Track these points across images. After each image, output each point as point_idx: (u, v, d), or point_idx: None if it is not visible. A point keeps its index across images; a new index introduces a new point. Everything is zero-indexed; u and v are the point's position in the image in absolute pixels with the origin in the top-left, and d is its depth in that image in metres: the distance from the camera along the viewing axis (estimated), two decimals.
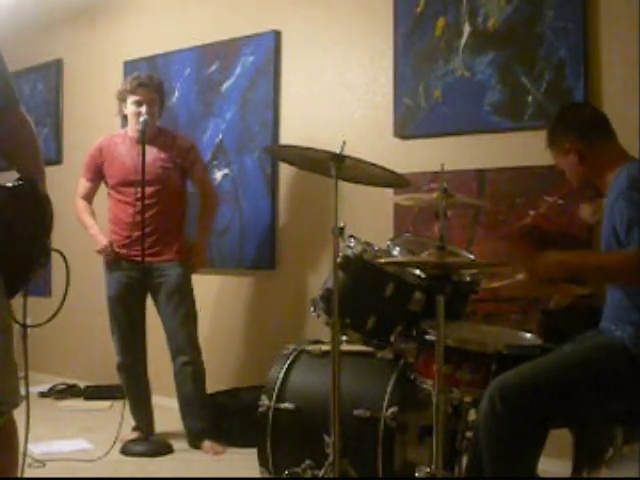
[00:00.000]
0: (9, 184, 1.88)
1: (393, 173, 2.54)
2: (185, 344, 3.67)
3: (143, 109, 3.64)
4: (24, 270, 1.91)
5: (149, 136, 3.63)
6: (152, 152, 3.68)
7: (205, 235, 3.86)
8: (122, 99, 3.72)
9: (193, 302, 3.75)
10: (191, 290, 3.76)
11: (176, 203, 3.76)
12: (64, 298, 2.09)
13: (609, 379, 2.10)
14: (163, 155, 3.72)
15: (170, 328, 3.69)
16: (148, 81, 3.70)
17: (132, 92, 3.67)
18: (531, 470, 2.08)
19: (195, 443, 3.66)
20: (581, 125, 2.36)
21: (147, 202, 3.62)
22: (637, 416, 2.13)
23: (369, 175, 2.63)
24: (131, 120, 3.70)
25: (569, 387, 2.08)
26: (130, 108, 3.68)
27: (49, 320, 2.11)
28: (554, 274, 2.18)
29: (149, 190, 3.64)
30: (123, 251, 3.68)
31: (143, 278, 3.61)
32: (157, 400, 3.91)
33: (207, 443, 3.61)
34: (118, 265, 3.70)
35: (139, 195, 3.59)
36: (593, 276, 2.25)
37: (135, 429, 3.74)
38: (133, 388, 3.72)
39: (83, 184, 3.84)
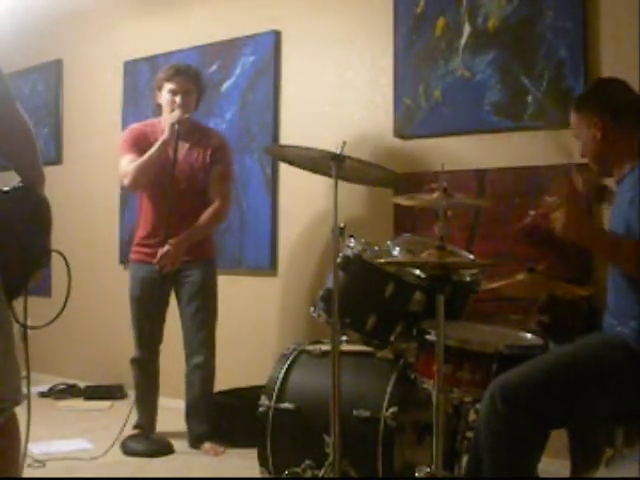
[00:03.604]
0: (6, 188, 1.88)
1: (393, 173, 2.54)
2: (200, 347, 3.62)
3: (177, 99, 3.53)
4: (23, 272, 1.91)
5: (184, 131, 3.52)
6: (185, 148, 3.60)
7: (188, 235, 3.53)
8: (158, 87, 3.61)
9: (215, 304, 3.67)
10: (214, 291, 3.68)
11: (204, 202, 3.62)
12: (66, 300, 2.09)
13: (611, 377, 2.10)
14: (196, 152, 3.62)
15: (188, 329, 3.65)
16: (185, 69, 3.59)
17: (168, 80, 3.55)
18: (531, 470, 2.08)
19: (196, 445, 3.65)
20: (616, 104, 2.31)
21: (177, 200, 3.47)
22: (638, 416, 2.13)
23: (369, 175, 2.63)
24: (165, 110, 3.58)
25: (571, 386, 2.07)
26: (165, 97, 3.57)
27: (50, 323, 2.11)
28: (579, 230, 2.18)
29: (179, 187, 3.52)
30: (149, 250, 3.58)
31: (168, 277, 3.55)
32: (159, 400, 3.91)
33: (207, 444, 3.60)
34: (143, 265, 3.62)
35: (173, 192, 3.44)
36: (604, 251, 2.24)
37: (136, 426, 3.74)
38: (143, 384, 3.71)
39: (129, 160, 3.55)
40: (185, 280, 3.63)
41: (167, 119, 3.54)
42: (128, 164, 3.57)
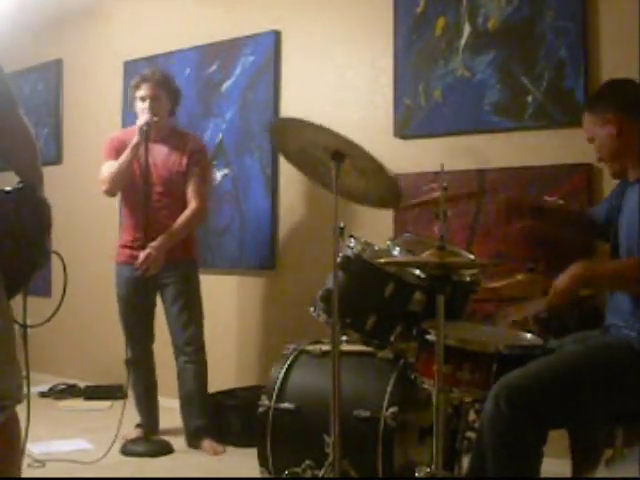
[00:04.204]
0: (8, 188, 1.88)
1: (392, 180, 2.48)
2: (187, 344, 3.67)
3: (145, 104, 3.60)
4: (23, 272, 1.92)
5: (161, 135, 3.65)
6: (163, 152, 3.68)
7: (167, 238, 3.56)
8: (132, 95, 3.72)
9: (199, 303, 3.74)
10: (198, 290, 3.75)
11: (183, 205, 3.67)
12: (62, 299, 2.10)
13: (616, 379, 2.09)
14: (174, 157, 3.69)
15: (174, 328, 3.70)
16: (150, 76, 3.66)
17: (136, 87, 3.65)
18: (535, 470, 2.08)
19: (194, 442, 3.66)
20: (630, 99, 2.30)
21: (155, 203, 3.60)
22: (638, 416, 2.13)
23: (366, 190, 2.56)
24: (139, 117, 3.65)
25: (575, 388, 2.07)
26: (137, 105, 3.66)
27: (47, 321, 2.13)
28: (575, 289, 2.16)
29: (156, 191, 3.63)
30: (133, 252, 3.64)
31: (151, 278, 3.59)
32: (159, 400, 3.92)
33: (207, 442, 3.61)
34: (128, 267, 3.66)
35: (148, 195, 3.55)
36: (610, 284, 2.22)
37: (138, 426, 3.76)
38: (139, 384, 3.75)
39: (107, 167, 3.66)
40: (167, 282, 3.67)
41: (137, 124, 3.62)
42: (106, 171, 3.67)
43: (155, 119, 3.57)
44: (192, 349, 3.68)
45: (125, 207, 3.77)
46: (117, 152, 3.65)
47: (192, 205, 3.65)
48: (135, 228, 3.67)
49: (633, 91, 2.36)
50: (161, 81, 3.68)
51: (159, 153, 3.67)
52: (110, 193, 3.72)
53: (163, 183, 3.65)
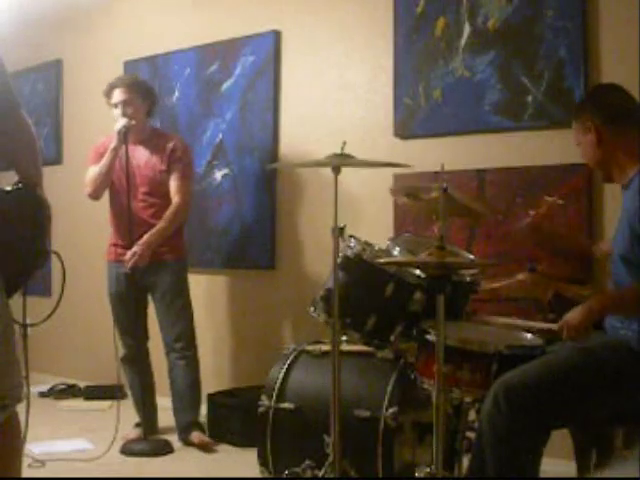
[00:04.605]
0: (8, 187, 1.89)
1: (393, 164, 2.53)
2: (176, 341, 3.72)
3: (119, 110, 3.67)
4: (22, 271, 1.92)
5: (141, 138, 3.75)
6: (144, 154, 3.76)
7: (154, 235, 3.63)
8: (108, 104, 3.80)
9: (187, 300, 3.79)
10: (185, 288, 3.80)
11: (168, 204, 3.72)
12: (59, 299, 2.11)
13: (614, 379, 2.09)
14: (155, 157, 3.75)
15: (163, 325, 3.75)
16: (119, 82, 3.72)
17: (107, 96, 3.74)
18: (535, 470, 2.08)
19: (184, 437, 3.69)
20: (608, 108, 2.31)
21: (141, 204, 3.70)
22: (638, 416, 2.13)
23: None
24: (117, 122, 3.71)
25: (574, 388, 2.07)
26: (113, 112, 3.73)
27: (46, 319, 2.13)
28: (589, 324, 2.13)
29: (141, 191, 3.71)
30: (122, 250, 3.71)
31: (140, 277, 3.65)
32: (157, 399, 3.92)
33: (195, 434, 3.64)
34: (117, 264, 3.72)
35: (133, 196, 3.66)
36: (630, 312, 2.20)
37: (138, 425, 3.77)
38: (136, 383, 3.77)
39: (92, 170, 3.76)
40: (156, 281, 3.73)
41: (115, 129, 3.67)
42: (89, 175, 3.77)
43: (132, 122, 3.63)
44: (181, 345, 3.72)
45: (112, 208, 3.83)
46: (101, 157, 3.74)
47: (174, 202, 3.72)
48: (122, 227, 3.73)
49: (615, 99, 2.36)
50: (131, 84, 3.73)
51: (141, 155, 3.75)
52: (93, 196, 3.80)
53: (148, 183, 3.73)
